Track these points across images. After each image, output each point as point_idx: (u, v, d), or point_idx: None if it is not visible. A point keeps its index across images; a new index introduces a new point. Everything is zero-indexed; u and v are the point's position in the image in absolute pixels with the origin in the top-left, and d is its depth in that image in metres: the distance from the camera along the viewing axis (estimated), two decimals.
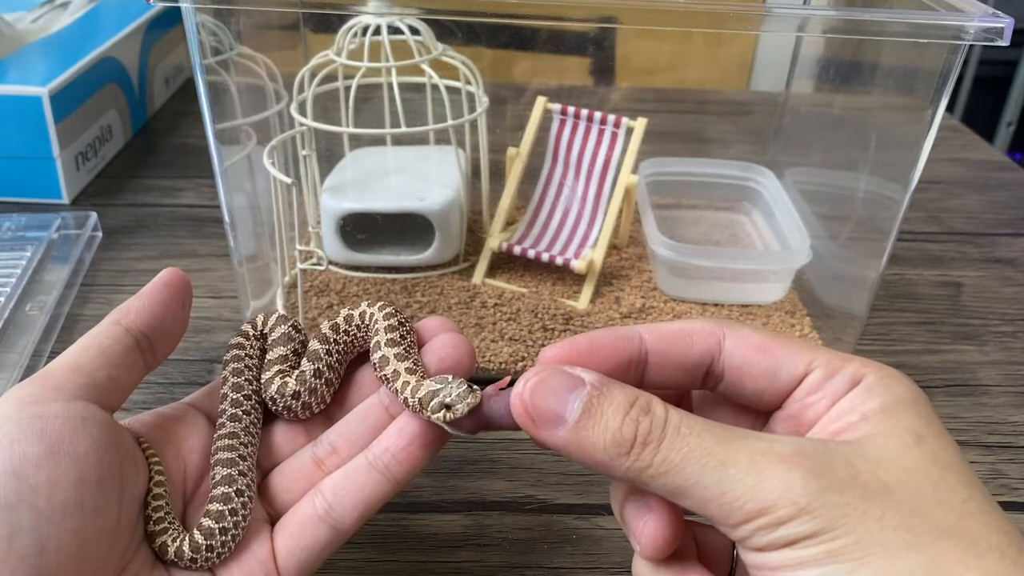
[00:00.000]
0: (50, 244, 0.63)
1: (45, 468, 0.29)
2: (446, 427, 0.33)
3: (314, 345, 0.37)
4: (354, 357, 0.39)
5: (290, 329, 0.39)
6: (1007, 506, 0.47)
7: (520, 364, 0.54)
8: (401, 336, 0.36)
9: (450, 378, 0.33)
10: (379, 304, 0.38)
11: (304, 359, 0.37)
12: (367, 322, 0.38)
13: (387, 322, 0.36)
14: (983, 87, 1.84)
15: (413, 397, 0.33)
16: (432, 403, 0.33)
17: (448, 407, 0.32)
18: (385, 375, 0.35)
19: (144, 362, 0.35)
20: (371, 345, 0.37)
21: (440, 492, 0.46)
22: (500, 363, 0.54)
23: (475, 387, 0.32)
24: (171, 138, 0.85)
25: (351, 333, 0.38)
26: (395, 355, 0.35)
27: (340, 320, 0.38)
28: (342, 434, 0.37)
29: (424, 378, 0.34)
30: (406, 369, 0.34)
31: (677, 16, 0.45)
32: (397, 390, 0.34)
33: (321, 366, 0.37)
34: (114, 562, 0.31)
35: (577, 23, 0.74)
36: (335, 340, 0.38)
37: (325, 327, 0.38)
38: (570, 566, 0.42)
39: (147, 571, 0.32)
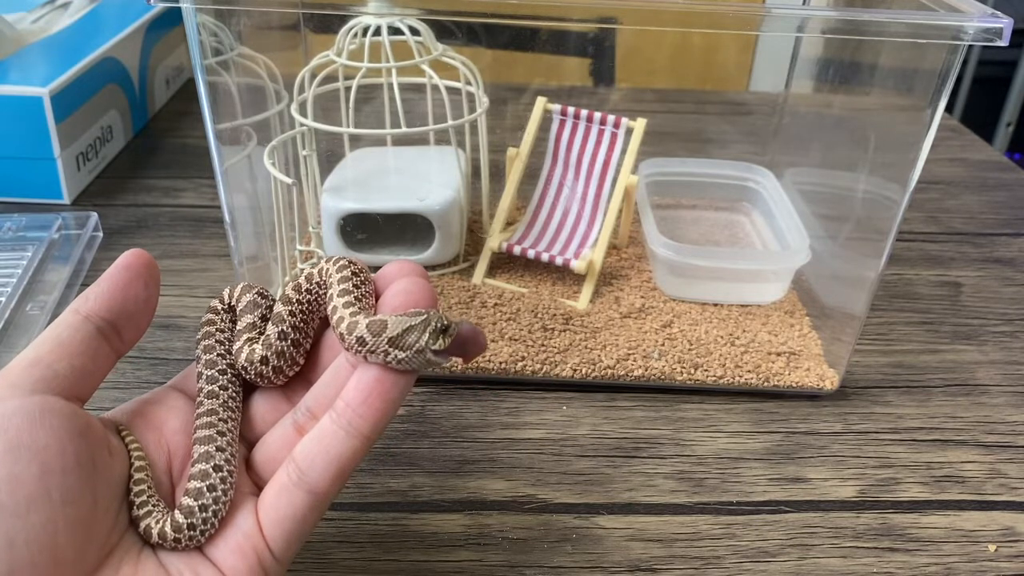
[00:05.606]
0: (51, 244, 0.64)
1: (4, 464, 0.29)
2: (434, 358, 0.33)
3: (278, 308, 0.37)
4: (323, 316, 0.38)
5: (256, 296, 0.38)
6: (1007, 506, 0.47)
7: (520, 364, 0.54)
8: (354, 286, 0.35)
9: (423, 312, 0.33)
10: (334, 258, 0.37)
11: (269, 323, 0.37)
12: (324, 277, 0.37)
13: (339, 274, 0.36)
14: (982, 87, 1.84)
15: (375, 337, 0.32)
16: (426, 335, 0.32)
17: (444, 330, 0.32)
18: (334, 325, 0.35)
19: (111, 347, 0.34)
20: (326, 300, 0.36)
21: (440, 492, 0.46)
22: (500, 363, 0.54)
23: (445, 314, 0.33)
24: (172, 138, 0.85)
25: (313, 292, 0.37)
26: (343, 304, 0.34)
27: (302, 280, 0.37)
28: (316, 397, 0.36)
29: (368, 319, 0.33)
30: (350, 313, 0.34)
31: (677, 16, 0.45)
32: (343, 334, 0.33)
33: (285, 328, 0.36)
34: (95, 549, 0.31)
35: (577, 23, 0.74)
36: (298, 300, 0.37)
37: (288, 289, 0.37)
38: (570, 566, 0.42)
39: (134, 556, 0.32)
